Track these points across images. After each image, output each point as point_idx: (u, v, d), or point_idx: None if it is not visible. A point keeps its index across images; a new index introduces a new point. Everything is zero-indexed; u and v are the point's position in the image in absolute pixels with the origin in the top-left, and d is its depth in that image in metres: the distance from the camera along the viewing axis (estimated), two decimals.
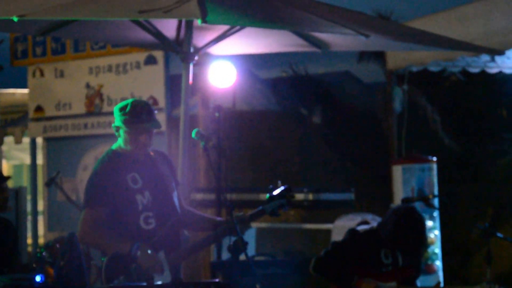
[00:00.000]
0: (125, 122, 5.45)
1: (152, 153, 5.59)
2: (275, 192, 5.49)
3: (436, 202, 8.64)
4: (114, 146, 5.55)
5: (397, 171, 8.89)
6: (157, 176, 5.52)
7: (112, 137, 5.58)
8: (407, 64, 9.00)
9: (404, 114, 9.70)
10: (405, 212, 6.42)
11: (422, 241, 6.44)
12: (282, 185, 5.51)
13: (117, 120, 5.49)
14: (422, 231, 6.40)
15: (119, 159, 5.46)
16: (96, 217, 5.35)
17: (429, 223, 8.68)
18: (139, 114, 5.45)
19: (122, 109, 5.48)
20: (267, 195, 5.51)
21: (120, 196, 5.37)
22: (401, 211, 6.41)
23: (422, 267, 8.38)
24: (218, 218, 5.76)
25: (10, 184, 7.07)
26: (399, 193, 8.88)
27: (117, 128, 5.50)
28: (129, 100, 5.58)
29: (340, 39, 7.17)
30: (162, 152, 5.73)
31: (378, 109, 11.15)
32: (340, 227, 8.05)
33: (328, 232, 8.53)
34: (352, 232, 6.47)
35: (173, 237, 5.46)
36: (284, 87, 12.12)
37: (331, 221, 8.58)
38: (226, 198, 5.61)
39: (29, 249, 10.04)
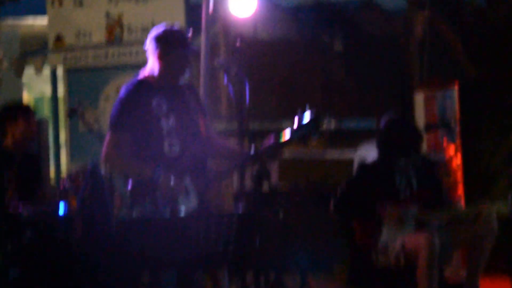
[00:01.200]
0: (161, 49, 5.40)
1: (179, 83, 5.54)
2: (304, 119, 5.38)
3: (458, 129, 8.57)
4: (141, 74, 5.50)
5: (419, 97, 8.81)
6: (183, 104, 5.49)
7: (134, 67, 5.55)
8: None
9: (426, 40, 9.56)
10: (392, 125, 6.45)
11: (418, 144, 6.46)
12: (311, 110, 5.35)
13: (152, 47, 5.44)
14: (414, 136, 6.42)
15: (145, 85, 5.44)
16: (120, 141, 5.34)
17: (451, 151, 8.63)
18: (176, 41, 5.40)
19: (158, 36, 5.44)
20: (296, 122, 5.38)
21: (144, 121, 5.35)
22: (389, 125, 6.45)
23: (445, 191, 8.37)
24: (246, 150, 5.68)
25: None
26: (421, 120, 8.80)
27: (152, 56, 5.45)
28: (164, 27, 5.52)
29: None
30: (188, 83, 5.67)
31: (399, 36, 10.99)
32: (362, 156, 7.99)
33: (350, 161, 8.48)
34: (361, 167, 6.49)
35: (199, 163, 5.43)
36: (305, 15, 11.96)
37: (354, 149, 8.52)
38: (248, 126, 5.57)
39: (52, 181, 10.05)
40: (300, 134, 5.36)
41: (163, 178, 5.21)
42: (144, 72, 5.50)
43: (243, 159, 5.42)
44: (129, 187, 5.31)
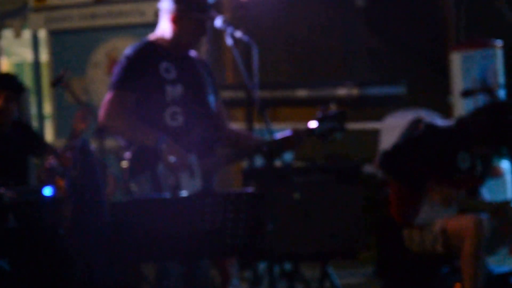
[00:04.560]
0: (177, 11, 5.52)
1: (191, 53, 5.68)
2: (327, 114, 5.48)
3: (502, 93, 8.61)
4: (152, 37, 5.63)
5: (456, 58, 8.88)
6: (194, 73, 5.62)
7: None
8: None
9: None
10: (501, 109, 6.42)
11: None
12: (337, 108, 5.44)
13: (167, 7, 5.56)
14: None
15: (155, 47, 5.57)
16: (123, 101, 5.46)
17: None
18: (195, 3, 5.53)
19: None
20: (319, 115, 5.48)
21: (149, 83, 5.47)
22: (496, 109, 6.41)
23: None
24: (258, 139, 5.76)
25: None
26: (458, 85, 8.86)
27: (166, 17, 5.56)
28: None
29: None
30: (202, 58, 5.79)
31: None
32: (390, 127, 8.05)
33: (375, 132, 8.54)
34: (430, 128, 6.51)
35: (207, 140, 5.53)
36: None
37: (380, 119, 8.58)
38: (257, 95, 5.62)
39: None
40: (320, 128, 5.45)
41: (168, 148, 5.31)
42: (155, 34, 5.62)
43: (255, 149, 5.51)
44: (128, 156, 5.42)
